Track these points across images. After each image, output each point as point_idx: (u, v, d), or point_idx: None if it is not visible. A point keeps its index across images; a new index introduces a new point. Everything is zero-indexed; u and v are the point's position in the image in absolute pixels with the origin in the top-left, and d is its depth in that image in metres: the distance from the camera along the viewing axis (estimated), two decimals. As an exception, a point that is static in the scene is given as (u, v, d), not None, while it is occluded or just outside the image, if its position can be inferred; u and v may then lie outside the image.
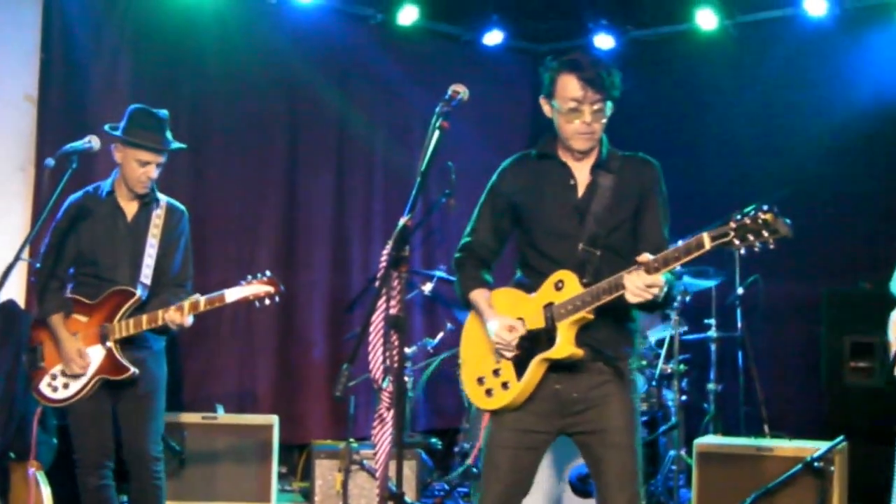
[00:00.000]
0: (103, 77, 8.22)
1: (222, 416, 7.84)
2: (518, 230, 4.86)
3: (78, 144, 5.90)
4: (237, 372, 8.93)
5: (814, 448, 6.72)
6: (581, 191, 4.70)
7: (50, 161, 5.92)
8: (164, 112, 6.21)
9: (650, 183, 4.73)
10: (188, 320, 5.93)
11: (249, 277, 5.96)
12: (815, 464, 6.63)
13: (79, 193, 6.28)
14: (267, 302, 5.97)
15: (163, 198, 6.33)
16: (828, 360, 8.35)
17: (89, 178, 6.97)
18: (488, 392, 4.72)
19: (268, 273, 5.98)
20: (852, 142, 8.62)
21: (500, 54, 10.19)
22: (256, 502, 7.60)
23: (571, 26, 10.14)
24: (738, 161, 9.42)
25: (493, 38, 10.03)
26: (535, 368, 4.59)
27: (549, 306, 4.58)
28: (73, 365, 5.99)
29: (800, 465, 6.69)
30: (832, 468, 6.61)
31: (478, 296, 4.82)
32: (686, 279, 8.00)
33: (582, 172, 4.72)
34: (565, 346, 4.53)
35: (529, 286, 4.72)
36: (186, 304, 5.90)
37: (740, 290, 8.35)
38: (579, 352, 4.56)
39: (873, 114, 8.53)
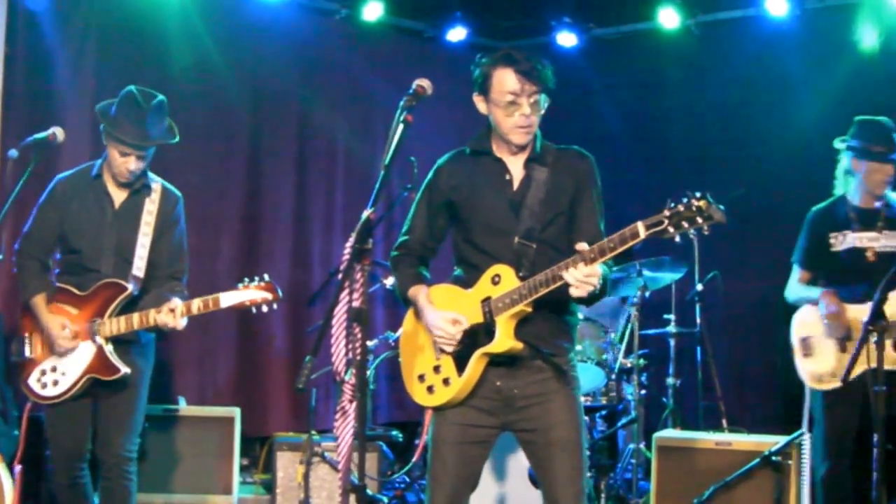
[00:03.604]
0: (68, 70, 8.19)
1: (184, 409, 7.85)
2: (454, 227, 4.88)
3: (41, 136, 5.80)
4: (199, 364, 8.93)
5: (771, 442, 6.77)
6: (516, 185, 4.73)
7: (13, 152, 5.83)
8: (157, 99, 5.91)
9: (585, 176, 4.76)
10: (181, 323, 5.71)
11: (246, 280, 5.71)
12: (773, 457, 6.70)
13: (68, 172, 6.10)
14: (265, 309, 5.72)
15: (157, 181, 6.10)
16: (784, 356, 8.42)
17: (53, 170, 6.93)
18: (430, 389, 4.72)
19: (266, 277, 5.73)
20: (812, 141, 8.71)
21: (464, 51, 10.19)
22: (218, 494, 7.62)
23: (534, 24, 10.20)
24: (698, 159, 9.49)
25: (457, 34, 10.09)
26: (476, 363, 4.60)
27: (486, 301, 4.60)
28: (60, 341, 5.78)
29: (758, 459, 6.75)
30: (789, 462, 6.68)
31: (416, 292, 4.81)
32: (647, 273, 8.06)
33: (516, 167, 4.75)
34: (505, 339, 4.55)
35: (466, 282, 4.74)
36: (180, 306, 5.68)
37: (699, 287, 8.41)
38: (519, 345, 4.57)
39: (833, 113, 8.61)
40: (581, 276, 4.31)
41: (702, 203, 4.11)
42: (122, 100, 5.86)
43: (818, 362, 6.51)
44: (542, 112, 4.68)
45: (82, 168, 6.09)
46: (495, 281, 4.60)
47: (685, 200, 4.14)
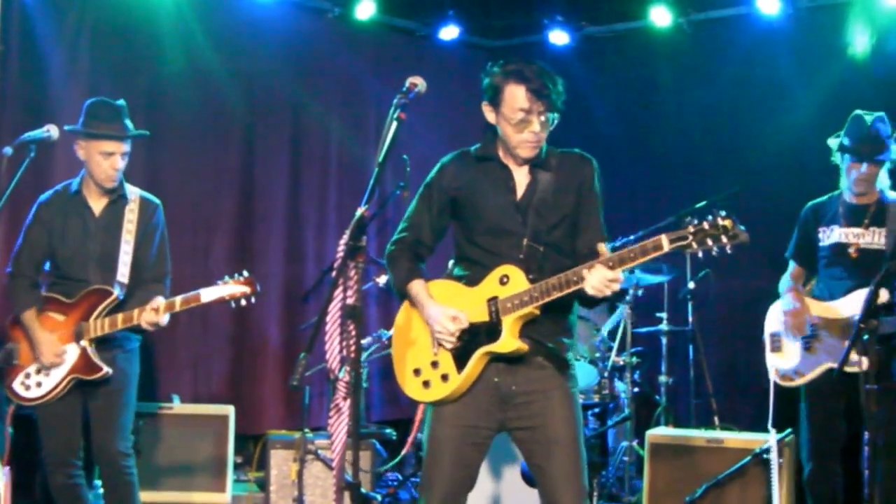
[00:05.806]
0: (62, 68, 8.17)
1: (178, 407, 7.86)
2: (456, 225, 4.87)
3: (36, 133, 5.89)
4: (193, 362, 8.92)
5: (763, 440, 6.79)
6: (521, 191, 4.73)
7: (8, 150, 5.85)
8: (120, 101, 6.20)
9: (588, 181, 4.77)
10: (164, 320, 5.92)
11: (227, 277, 5.91)
12: (765, 455, 6.72)
13: (48, 193, 6.29)
14: (243, 302, 5.91)
15: (134, 191, 6.29)
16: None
17: (48, 168, 6.95)
18: (426, 384, 4.70)
19: (245, 273, 5.92)
20: (805, 138, 8.72)
21: (456, 49, 10.24)
22: (212, 492, 7.64)
23: (526, 22, 10.19)
24: (690, 157, 9.49)
25: (449, 33, 10.09)
26: (477, 361, 4.60)
27: (493, 300, 4.59)
28: (48, 353, 5.98)
29: (749, 457, 6.78)
30: (781, 460, 6.70)
31: (417, 286, 4.78)
32: (638, 274, 8.08)
33: (521, 174, 4.75)
34: (511, 340, 4.55)
35: (469, 279, 4.73)
36: (162, 304, 5.88)
37: (691, 285, 8.41)
38: (524, 346, 4.58)
39: (825, 111, 8.62)
40: (605, 280, 4.33)
41: (727, 222, 4.16)
42: (91, 107, 6.16)
43: (784, 359, 6.55)
44: (551, 128, 4.69)
45: (60, 187, 6.31)
46: (503, 281, 4.60)
47: (710, 218, 4.18)
